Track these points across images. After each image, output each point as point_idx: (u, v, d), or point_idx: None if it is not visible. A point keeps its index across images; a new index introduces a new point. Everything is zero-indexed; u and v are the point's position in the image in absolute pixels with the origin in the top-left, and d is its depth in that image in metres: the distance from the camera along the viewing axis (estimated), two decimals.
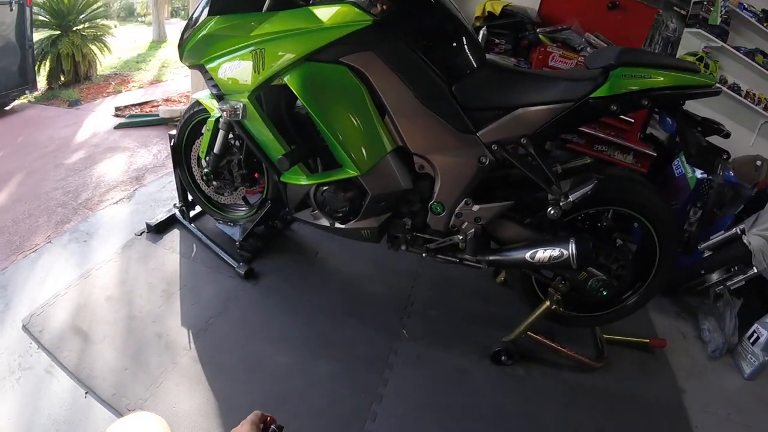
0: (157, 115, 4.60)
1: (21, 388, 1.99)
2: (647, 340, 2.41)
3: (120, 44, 8.38)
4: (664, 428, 2.08)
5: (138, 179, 3.44)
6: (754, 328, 2.40)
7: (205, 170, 2.40)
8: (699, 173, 2.57)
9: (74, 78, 6.59)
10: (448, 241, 1.97)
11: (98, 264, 2.55)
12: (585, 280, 1.95)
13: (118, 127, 4.53)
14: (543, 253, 1.78)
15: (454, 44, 1.83)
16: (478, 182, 1.82)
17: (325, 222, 2.07)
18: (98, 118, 4.95)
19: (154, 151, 3.92)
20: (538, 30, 3.34)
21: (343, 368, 2.06)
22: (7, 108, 5.39)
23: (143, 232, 2.78)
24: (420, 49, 1.72)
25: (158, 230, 2.79)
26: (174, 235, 2.80)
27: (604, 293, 1.97)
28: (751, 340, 2.39)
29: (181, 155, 2.62)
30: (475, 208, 1.83)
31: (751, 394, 2.34)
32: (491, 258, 1.93)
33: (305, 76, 1.74)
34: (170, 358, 2.06)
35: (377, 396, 1.96)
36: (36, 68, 5.90)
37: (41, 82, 6.28)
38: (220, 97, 2.00)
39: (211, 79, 1.99)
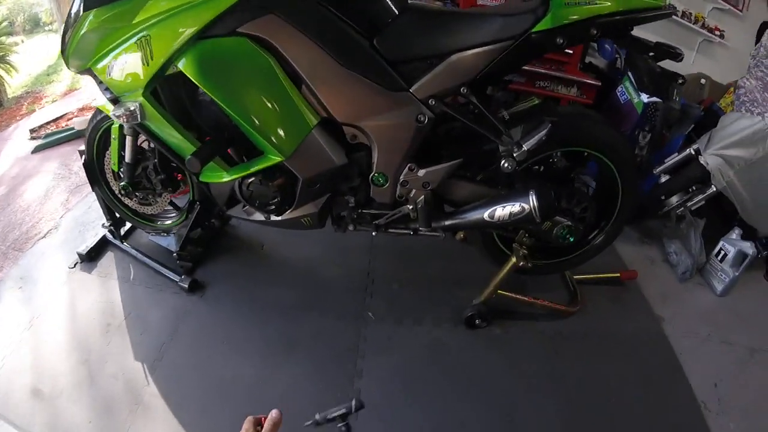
0: (73, 128, 4.28)
1: None
2: (618, 274, 2.41)
3: (29, 59, 7.85)
4: (649, 361, 2.10)
5: (63, 204, 3.21)
6: (720, 245, 2.44)
7: (122, 183, 2.22)
8: (645, 98, 2.52)
9: None
10: (397, 213, 1.86)
11: (38, 312, 2.35)
12: (549, 230, 1.88)
13: (36, 150, 4.22)
14: (502, 211, 1.67)
15: None
16: (420, 144, 1.68)
17: (259, 216, 1.95)
18: (14, 145, 4.61)
19: (75, 168, 3.66)
20: None
21: (314, 366, 1.98)
22: None
23: (76, 263, 2.59)
24: (328, 3, 1.53)
25: (91, 257, 2.60)
26: (109, 260, 2.62)
27: (571, 240, 1.92)
28: (719, 258, 2.42)
29: (95, 171, 2.42)
30: (421, 172, 1.71)
31: (727, 310, 2.38)
32: (447, 223, 1.82)
33: (200, 58, 1.55)
34: (132, 399, 1.93)
35: (355, 390, 1.89)
36: None
37: None
38: (114, 101, 1.81)
39: (101, 82, 1.81)
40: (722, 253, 2.39)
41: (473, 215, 1.76)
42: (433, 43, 1.57)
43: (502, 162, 1.64)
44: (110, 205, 2.53)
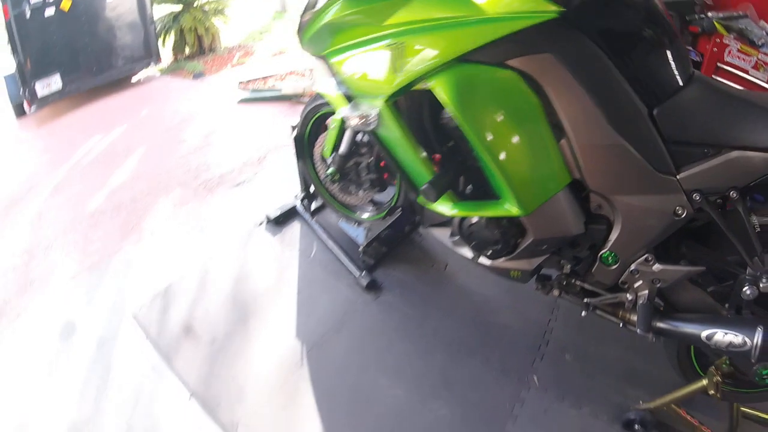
0: (280, 91, 4.65)
1: (125, 380, 2.05)
2: None
3: (243, 15, 8.79)
4: None
5: (260, 160, 3.45)
6: None
7: (330, 170, 2.27)
8: None
9: (198, 50, 7.04)
10: (613, 299, 1.67)
11: (214, 255, 2.57)
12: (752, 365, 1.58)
13: (242, 101, 4.67)
14: (722, 337, 1.43)
15: (658, 52, 1.44)
16: (667, 236, 1.49)
17: (466, 252, 1.84)
18: (221, 91, 5.14)
19: (278, 129, 3.93)
20: (710, 14, 2.77)
21: (462, 415, 1.85)
22: (134, 80, 5.96)
23: (262, 222, 2.76)
24: (613, 55, 1.36)
25: (278, 222, 2.75)
26: (294, 230, 2.73)
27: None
28: None
29: (303, 147, 2.54)
30: (656, 267, 1.51)
31: None
32: (660, 325, 1.58)
33: (458, 82, 1.43)
34: (282, 375, 1.99)
35: None
36: (162, 42, 6.61)
37: (166, 55, 6.86)
38: (348, 98, 1.81)
39: (337, 74, 1.80)
40: None
41: (690, 329, 1.53)
42: (715, 130, 1.34)
43: (745, 287, 1.39)
44: (309, 181, 2.63)
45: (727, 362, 1.64)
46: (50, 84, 5.26)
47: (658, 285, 1.53)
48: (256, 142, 3.78)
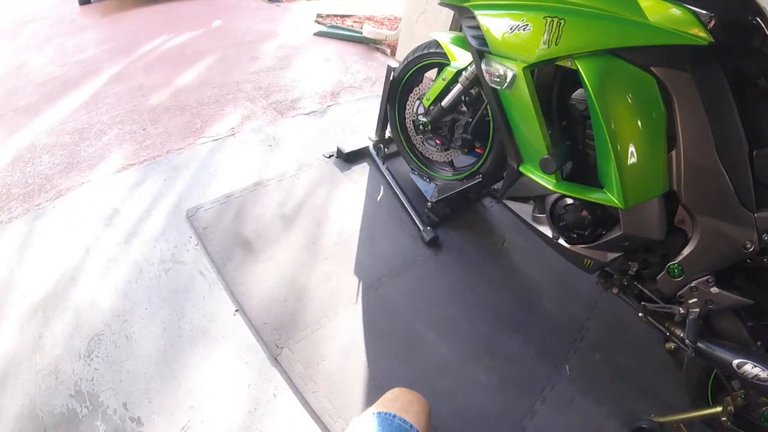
0: (360, 33, 4.56)
1: (168, 281, 2.00)
2: None
3: None
4: None
5: (333, 95, 3.37)
6: None
7: (423, 119, 2.31)
8: None
9: None
10: (666, 308, 1.81)
11: (280, 175, 2.52)
12: (762, 405, 1.74)
13: (318, 34, 4.59)
14: (752, 369, 1.59)
15: None
16: (731, 265, 1.62)
17: (546, 230, 1.97)
18: (298, 19, 5.04)
19: (353, 69, 3.86)
20: None
21: (497, 384, 1.91)
22: None
23: (332, 155, 2.72)
24: (737, 93, 1.48)
25: (348, 159, 2.72)
26: (363, 169, 2.69)
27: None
28: None
29: (396, 91, 2.55)
30: (714, 290, 1.65)
31: None
32: (699, 344, 1.74)
33: (605, 71, 1.54)
34: (333, 307, 1.98)
35: (520, 428, 1.80)
36: None
37: None
38: (480, 53, 1.86)
39: (476, 27, 1.84)
40: None
41: (724, 355, 1.67)
42: None
43: None
44: (391, 127, 2.62)
45: (743, 395, 1.81)
46: None
47: (710, 306, 1.68)
48: (331, 76, 3.70)
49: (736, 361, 1.63)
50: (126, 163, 2.60)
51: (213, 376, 1.70)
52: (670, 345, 2.25)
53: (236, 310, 1.90)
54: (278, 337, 1.83)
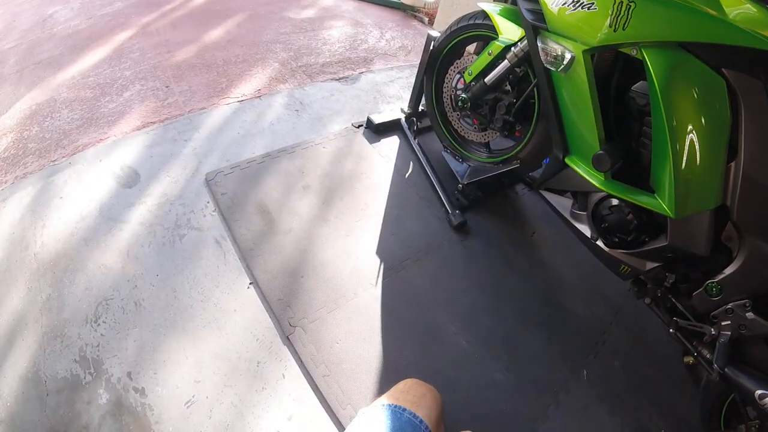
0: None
1: (182, 247, 1.96)
2: None
3: None
4: None
5: (366, 62, 3.27)
6: None
7: (463, 95, 2.23)
8: None
9: None
10: (697, 327, 1.76)
11: (305, 143, 2.46)
12: None
13: None
14: None
15: None
16: None
17: (584, 229, 1.91)
18: None
19: (388, 36, 3.75)
20: None
21: (514, 384, 1.88)
22: None
23: (361, 125, 2.64)
24: None
25: (377, 130, 2.63)
26: (392, 143, 2.61)
27: None
28: None
29: (435, 62, 2.46)
30: (750, 315, 1.60)
31: None
32: (725, 369, 1.70)
33: (674, 65, 1.45)
34: (352, 287, 1.92)
35: (532, 431, 1.77)
36: None
37: None
38: (536, 30, 1.79)
39: (534, 1, 1.78)
40: None
41: (748, 383, 1.63)
42: None
43: None
44: (426, 100, 2.54)
45: (757, 425, 1.81)
46: None
47: (742, 331, 1.64)
48: (365, 42, 3.61)
49: (759, 392, 1.60)
50: (146, 121, 2.55)
51: (222, 351, 1.66)
52: (689, 359, 2.19)
53: (250, 283, 1.85)
54: (292, 315, 1.78)
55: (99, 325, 1.68)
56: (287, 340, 1.71)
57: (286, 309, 1.79)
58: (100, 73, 3.03)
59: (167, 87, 2.84)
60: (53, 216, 2.02)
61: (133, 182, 2.18)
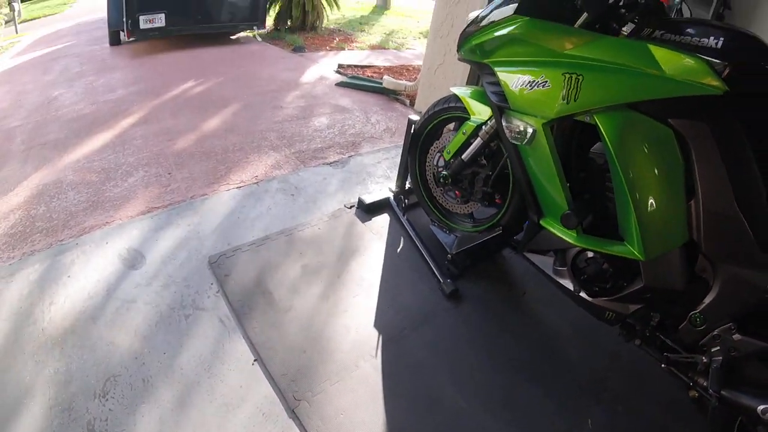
0: (380, 84, 4.73)
1: (187, 327, 2.03)
2: None
3: (344, 2, 9.04)
4: None
5: (354, 145, 3.47)
6: None
7: (444, 172, 2.37)
8: None
9: (300, 26, 7.25)
10: (688, 358, 1.80)
11: (302, 225, 2.59)
12: None
13: (339, 84, 4.76)
14: None
15: None
16: (753, 311, 1.64)
17: (567, 283, 1.97)
18: (320, 70, 5.24)
19: (373, 120, 3.98)
20: None
21: None
22: (233, 37, 6.28)
23: (353, 206, 2.78)
24: (753, 141, 1.52)
25: (368, 210, 2.78)
26: (383, 220, 2.75)
27: None
28: None
29: (417, 143, 2.62)
30: (737, 337, 1.66)
31: None
32: (722, 393, 1.71)
33: (623, 125, 1.59)
34: (353, 360, 1.99)
35: None
36: (266, 10, 6.85)
37: (269, 23, 7.13)
38: (500, 109, 1.92)
39: (496, 83, 1.90)
40: None
41: (749, 402, 1.64)
42: None
43: None
44: (411, 178, 2.68)
45: None
46: (154, 20, 5.47)
47: (733, 353, 1.68)
48: (353, 127, 3.82)
49: (761, 407, 1.61)
50: (150, 206, 2.68)
51: (230, 426, 1.70)
52: (694, 393, 2.17)
53: (255, 360, 1.92)
54: (296, 388, 1.83)
55: (107, 400, 1.72)
56: (293, 414, 1.76)
57: (291, 383, 1.84)
58: (104, 158, 3.20)
59: (169, 174, 3.00)
60: (61, 293, 2.11)
61: (139, 264, 2.29)
